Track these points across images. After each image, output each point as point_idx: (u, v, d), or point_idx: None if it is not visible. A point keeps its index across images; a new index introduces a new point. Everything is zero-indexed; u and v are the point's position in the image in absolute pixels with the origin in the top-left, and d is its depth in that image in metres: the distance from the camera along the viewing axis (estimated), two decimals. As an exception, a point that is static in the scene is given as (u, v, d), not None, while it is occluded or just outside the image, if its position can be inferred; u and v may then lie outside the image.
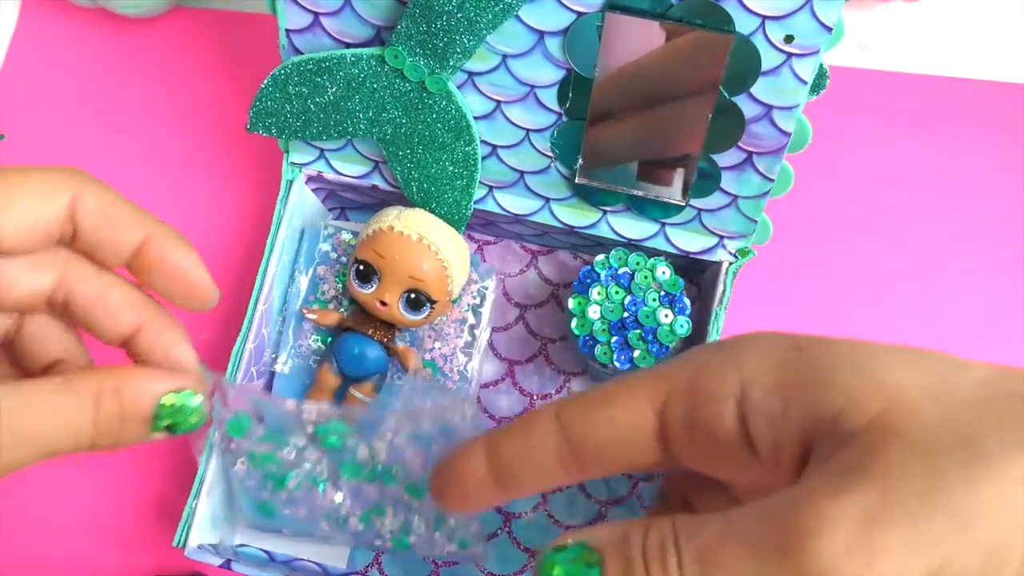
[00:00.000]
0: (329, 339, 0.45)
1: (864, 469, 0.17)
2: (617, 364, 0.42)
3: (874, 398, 0.18)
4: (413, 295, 0.40)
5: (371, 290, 0.41)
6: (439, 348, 0.45)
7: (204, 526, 0.42)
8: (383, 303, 0.41)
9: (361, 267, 0.41)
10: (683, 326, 0.42)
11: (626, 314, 0.42)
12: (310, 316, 0.44)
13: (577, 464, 0.23)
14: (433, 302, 0.41)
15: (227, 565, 0.41)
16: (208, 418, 0.26)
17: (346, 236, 0.46)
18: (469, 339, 0.45)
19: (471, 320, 0.46)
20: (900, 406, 0.18)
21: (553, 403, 0.23)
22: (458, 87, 0.40)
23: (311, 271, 0.46)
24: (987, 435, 0.17)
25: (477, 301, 0.46)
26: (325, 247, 0.46)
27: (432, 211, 0.43)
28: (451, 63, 0.37)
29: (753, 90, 0.37)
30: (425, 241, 0.40)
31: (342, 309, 0.45)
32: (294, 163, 0.45)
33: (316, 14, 0.39)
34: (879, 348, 0.19)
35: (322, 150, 0.44)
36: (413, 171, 0.41)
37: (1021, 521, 0.16)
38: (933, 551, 0.16)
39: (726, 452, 0.21)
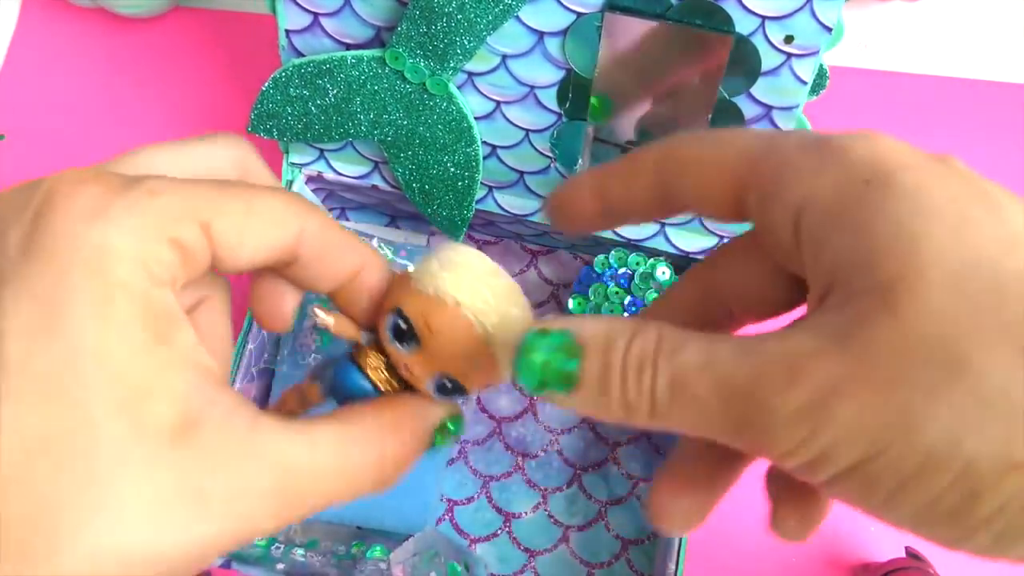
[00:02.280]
0: (327, 339, 0.45)
1: (849, 336, 0.17)
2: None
3: (894, 260, 0.17)
4: (448, 384, 0.30)
5: (404, 352, 0.30)
6: (439, 348, 0.45)
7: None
8: (410, 369, 0.31)
9: (403, 325, 0.30)
10: (683, 326, 0.42)
11: (626, 314, 0.42)
12: (324, 319, 0.37)
13: (665, 205, 0.23)
14: (465, 394, 0.31)
15: (227, 565, 0.41)
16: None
17: None
18: (469, 339, 0.45)
19: (471, 320, 0.46)
20: (913, 279, 0.16)
21: (655, 146, 0.23)
22: (458, 88, 0.40)
23: (311, 271, 0.46)
24: (976, 343, 0.16)
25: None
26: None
27: (433, 212, 0.42)
28: (451, 64, 0.37)
29: (753, 90, 0.37)
30: (490, 341, 0.30)
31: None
32: (294, 164, 0.45)
33: (316, 15, 0.39)
34: (946, 200, 0.18)
35: (322, 151, 0.44)
36: (414, 172, 0.41)
37: (966, 440, 0.16)
38: (875, 439, 0.16)
39: (784, 251, 0.20)
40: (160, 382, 0.18)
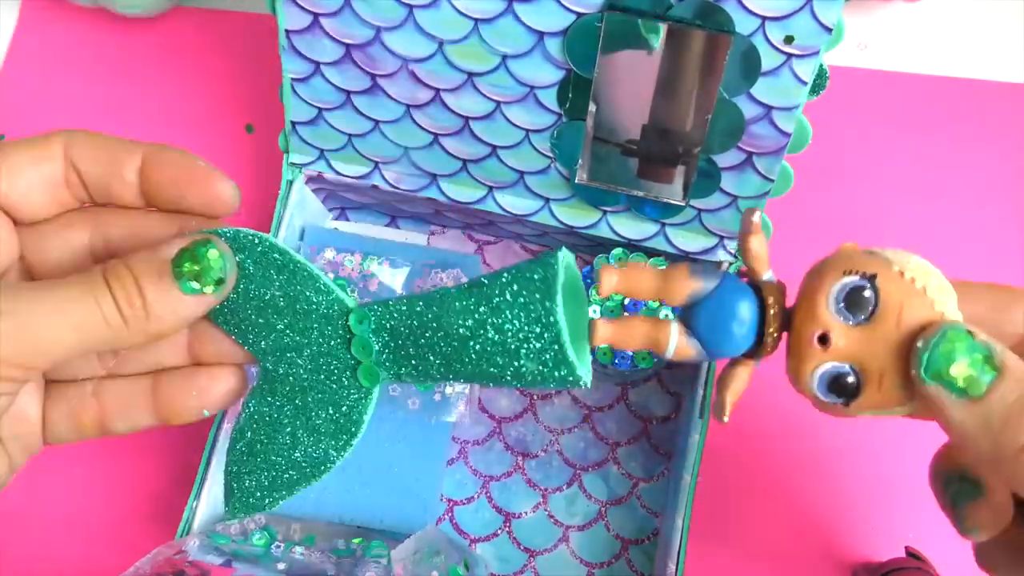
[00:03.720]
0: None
1: None
2: (617, 364, 0.42)
3: None
4: (850, 379, 0.25)
5: (841, 319, 0.25)
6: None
7: (204, 526, 0.42)
8: (823, 340, 0.25)
9: (868, 293, 0.24)
10: (683, 326, 0.42)
11: (626, 314, 0.42)
12: (758, 225, 0.27)
13: None
14: (855, 398, 0.25)
15: (228, 564, 0.41)
16: (233, 269, 0.27)
17: (329, 254, 0.46)
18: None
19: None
20: None
21: None
22: (457, 87, 0.40)
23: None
24: None
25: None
26: (324, 256, 0.46)
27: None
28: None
29: (753, 90, 0.37)
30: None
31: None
32: (294, 163, 0.45)
33: (316, 15, 0.39)
34: None
35: (322, 150, 0.44)
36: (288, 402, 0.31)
37: None
38: None
39: None
40: None
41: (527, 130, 0.41)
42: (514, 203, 0.44)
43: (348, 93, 0.41)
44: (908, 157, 0.51)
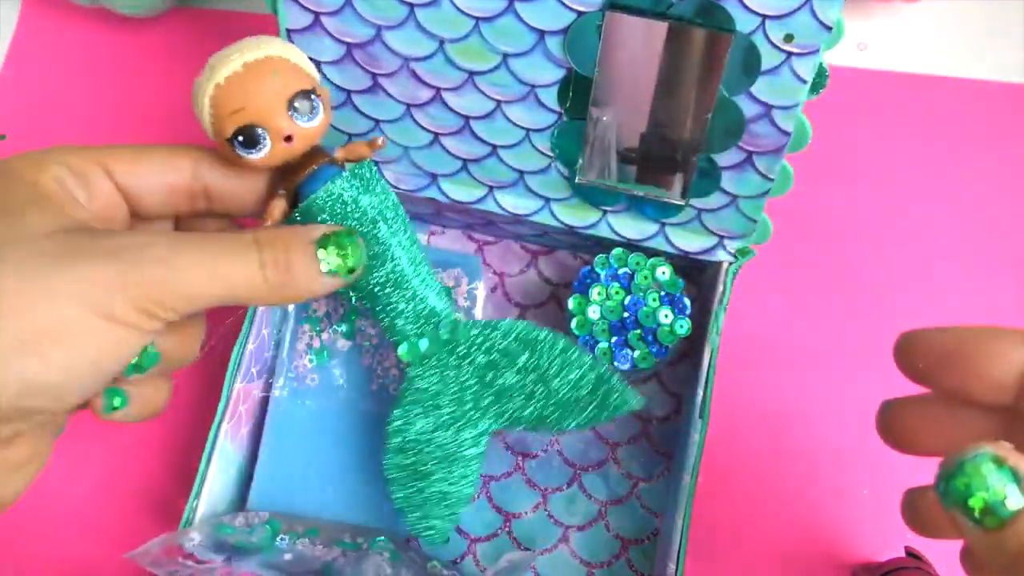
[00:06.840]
0: (324, 355, 0.45)
1: None
2: (617, 364, 0.42)
3: None
4: (302, 97, 0.32)
5: (266, 149, 0.32)
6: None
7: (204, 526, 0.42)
8: (288, 139, 0.32)
9: (241, 138, 0.31)
10: (683, 326, 0.42)
11: (626, 314, 0.42)
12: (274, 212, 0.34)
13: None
14: (317, 94, 0.33)
15: (227, 561, 0.41)
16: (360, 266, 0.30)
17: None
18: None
19: (471, 320, 0.46)
20: None
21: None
22: (458, 86, 0.40)
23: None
24: None
25: (468, 303, 0.46)
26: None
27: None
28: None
29: (753, 89, 0.37)
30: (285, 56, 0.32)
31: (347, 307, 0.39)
32: (294, 163, 0.45)
33: (317, 14, 0.39)
34: None
35: (322, 150, 0.44)
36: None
37: None
38: None
39: None
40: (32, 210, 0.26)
41: (528, 129, 0.41)
42: (514, 203, 0.44)
43: (348, 92, 0.41)
44: (908, 157, 0.51)
